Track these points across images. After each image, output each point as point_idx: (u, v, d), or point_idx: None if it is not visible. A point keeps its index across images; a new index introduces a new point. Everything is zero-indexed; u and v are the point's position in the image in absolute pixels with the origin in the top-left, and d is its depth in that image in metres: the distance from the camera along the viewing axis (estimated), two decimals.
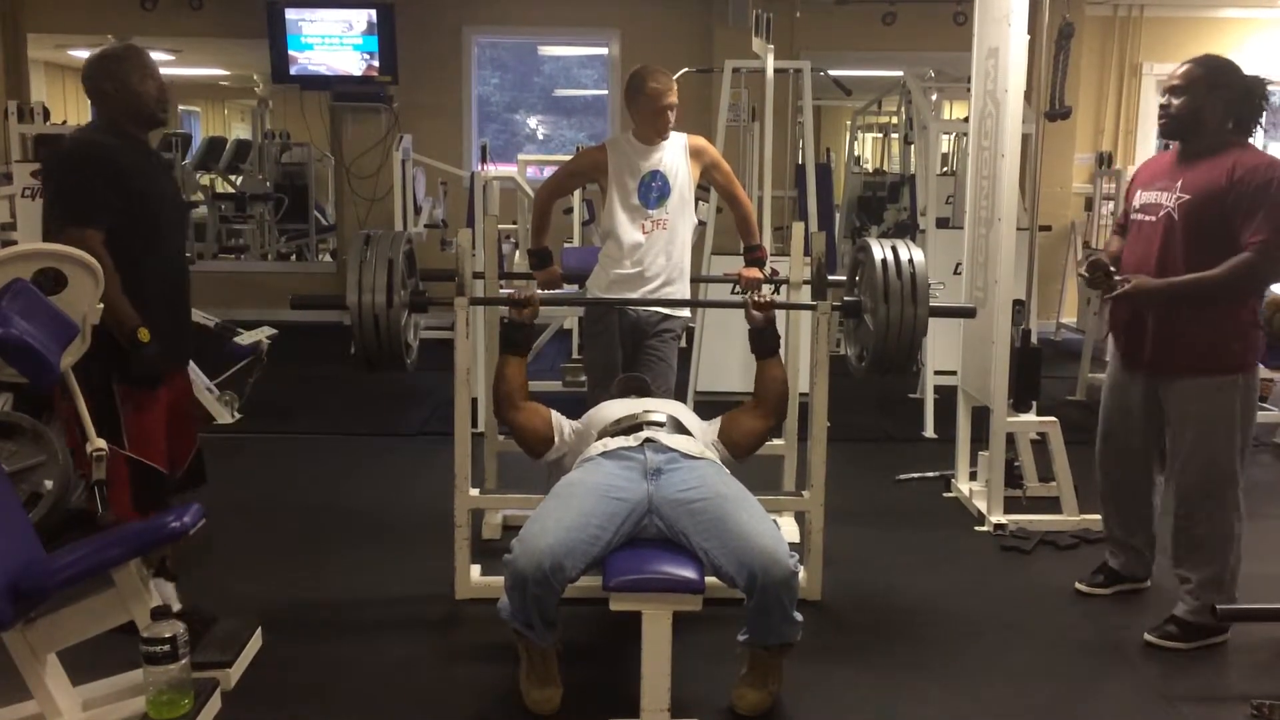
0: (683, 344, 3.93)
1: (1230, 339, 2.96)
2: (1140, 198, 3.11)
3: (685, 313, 3.69)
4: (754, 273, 3.65)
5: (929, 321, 3.03)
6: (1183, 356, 2.99)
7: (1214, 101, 2.95)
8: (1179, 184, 2.97)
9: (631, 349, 3.58)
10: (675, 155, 3.53)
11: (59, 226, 2.70)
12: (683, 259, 3.59)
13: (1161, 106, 3.06)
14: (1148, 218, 3.05)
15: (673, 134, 3.53)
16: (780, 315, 3.78)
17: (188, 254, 3.26)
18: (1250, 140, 3.03)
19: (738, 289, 3.59)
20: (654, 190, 3.50)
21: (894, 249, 3.05)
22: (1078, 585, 3.40)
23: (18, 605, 2.02)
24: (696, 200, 3.77)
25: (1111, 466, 3.30)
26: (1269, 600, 3.17)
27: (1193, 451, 3.02)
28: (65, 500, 3.48)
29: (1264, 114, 3.00)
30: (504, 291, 3.56)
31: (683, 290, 3.61)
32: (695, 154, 3.57)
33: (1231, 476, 3.01)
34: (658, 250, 3.52)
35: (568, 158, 7.61)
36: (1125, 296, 3.01)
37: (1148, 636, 3.03)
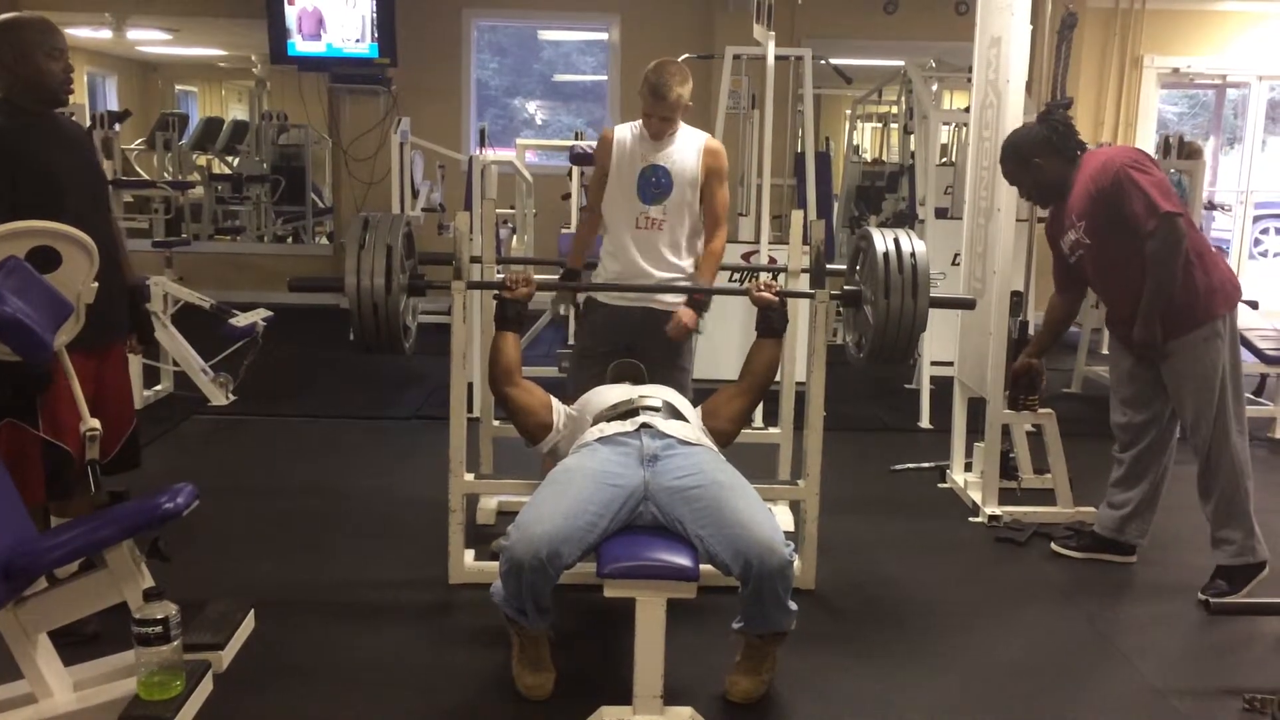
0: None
1: (1194, 296, 3.15)
2: (1064, 245, 3.38)
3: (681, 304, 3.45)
4: (689, 315, 3.30)
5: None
6: (1161, 326, 3.18)
7: (1036, 169, 3.32)
8: (1073, 218, 3.29)
9: (628, 347, 3.37)
10: (686, 153, 3.33)
11: None
12: (683, 261, 3.39)
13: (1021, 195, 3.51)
14: (1079, 253, 3.33)
15: (692, 132, 3.36)
16: None
17: (113, 226, 3.01)
18: (1081, 152, 3.32)
19: (737, 277, 3.52)
20: (654, 185, 3.32)
21: (896, 240, 3.04)
22: (1053, 545, 3.62)
23: (9, 585, 2.01)
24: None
25: (1121, 426, 3.48)
26: (1260, 594, 3.18)
27: (1195, 406, 3.20)
28: None
29: (1073, 132, 3.32)
30: (500, 276, 3.54)
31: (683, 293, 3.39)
32: (709, 156, 3.34)
33: (1226, 425, 3.18)
34: (652, 249, 3.34)
35: (566, 143, 7.62)
36: (1143, 353, 3.23)
37: (1202, 595, 3.20)
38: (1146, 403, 3.38)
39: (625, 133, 3.37)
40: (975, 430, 4.15)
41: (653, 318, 3.37)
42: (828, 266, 3.27)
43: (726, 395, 3.07)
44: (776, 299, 3.12)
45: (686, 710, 2.44)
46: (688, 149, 3.34)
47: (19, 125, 2.75)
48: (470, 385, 3.46)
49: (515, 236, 6.87)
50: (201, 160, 10.36)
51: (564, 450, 2.92)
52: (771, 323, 3.13)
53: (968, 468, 4.27)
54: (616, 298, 3.41)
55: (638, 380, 3.13)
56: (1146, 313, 3.15)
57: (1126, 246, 3.16)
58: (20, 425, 2.68)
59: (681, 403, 2.99)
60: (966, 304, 3.61)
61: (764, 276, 3.43)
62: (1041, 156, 3.30)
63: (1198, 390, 3.19)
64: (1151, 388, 3.34)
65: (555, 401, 3.06)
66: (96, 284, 2.63)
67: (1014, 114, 3.77)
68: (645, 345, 3.37)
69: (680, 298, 3.38)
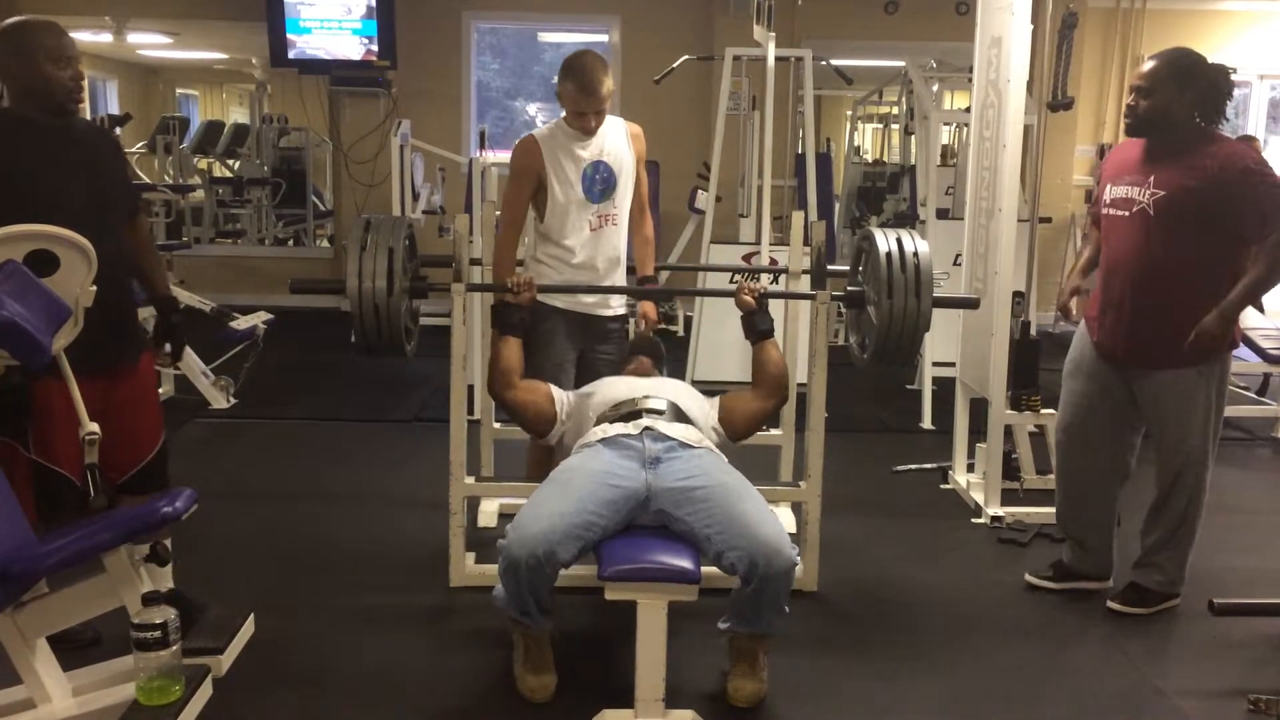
0: (680, 332, 3.78)
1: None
2: (1110, 192, 3.09)
3: (623, 308, 3.48)
4: (652, 307, 3.58)
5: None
6: (1160, 350, 3.02)
7: (1182, 99, 2.93)
8: (1151, 180, 2.97)
9: (579, 349, 3.38)
10: (618, 143, 3.29)
11: None
12: (623, 249, 3.42)
13: (1128, 106, 3.03)
14: (1120, 212, 3.05)
15: (612, 120, 3.29)
16: (779, 304, 3.76)
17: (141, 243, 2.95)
18: (1216, 129, 3.01)
19: (736, 279, 3.52)
20: (598, 182, 3.27)
21: (899, 240, 3.02)
22: (1027, 576, 3.39)
23: (7, 589, 2.00)
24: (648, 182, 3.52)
25: (1071, 459, 3.31)
26: (1264, 595, 3.17)
27: (1174, 440, 3.06)
28: None
29: (1229, 103, 2.99)
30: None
31: (621, 280, 3.44)
32: (637, 142, 3.35)
33: (1204, 461, 3.08)
34: (608, 246, 3.33)
35: None
36: (1202, 341, 2.91)
37: (1111, 604, 3.18)
38: (1090, 419, 3.22)
39: (548, 134, 3.28)
40: (977, 431, 4.14)
41: (606, 324, 3.41)
42: (829, 267, 3.26)
43: (744, 397, 3.08)
44: (752, 301, 3.11)
45: (688, 713, 2.44)
46: (617, 139, 3.31)
47: (26, 137, 2.64)
48: (471, 388, 3.45)
49: None
50: (202, 163, 10.37)
51: (569, 443, 2.92)
52: (754, 325, 3.12)
53: (970, 468, 4.26)
54: (572, 303, 3.33)
55: (656, 356, 3.18)
56: (1239, 300, 2.89)
57: (1182, 243, 2.93)
58: (12, 445, 2.64)
59: (687, 400, 2.97)
60: (970, 304, 3.59)
61: (762, 279, 3.43)
62: (1192, 95, 2.93)
63: (1183, 415, 3.02)
64: (1103, 407, 3.18)
65: (556, 390, 3.07)
66: (95, 288, 2.61)
67: (1015, 114, 3.76)
68: (599, 350, 3.40)
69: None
